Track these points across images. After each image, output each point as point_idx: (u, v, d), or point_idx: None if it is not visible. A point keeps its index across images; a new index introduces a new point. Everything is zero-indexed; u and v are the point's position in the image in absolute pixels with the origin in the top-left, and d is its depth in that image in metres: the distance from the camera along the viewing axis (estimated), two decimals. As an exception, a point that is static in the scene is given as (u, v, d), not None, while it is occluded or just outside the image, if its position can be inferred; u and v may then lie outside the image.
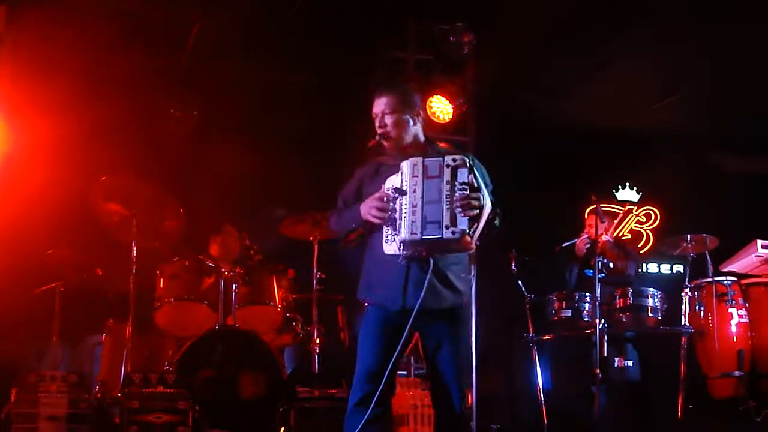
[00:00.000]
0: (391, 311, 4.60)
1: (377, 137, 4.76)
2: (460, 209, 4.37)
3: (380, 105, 4.78)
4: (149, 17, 7.91)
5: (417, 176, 4.46)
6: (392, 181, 4.57)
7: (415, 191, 4.45)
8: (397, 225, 4.48)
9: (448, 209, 4.38)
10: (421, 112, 4.90)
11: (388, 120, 4.75)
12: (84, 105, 7.89)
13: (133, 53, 8.21)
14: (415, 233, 4.40)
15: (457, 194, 4.38)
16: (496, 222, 4.59)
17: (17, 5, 7.42)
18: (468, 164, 4.44)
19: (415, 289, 4.52)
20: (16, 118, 7.16)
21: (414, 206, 4.43)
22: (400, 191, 4.48)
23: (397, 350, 4.52)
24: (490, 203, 4.51)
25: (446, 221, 4.37)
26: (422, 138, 4.86)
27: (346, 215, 4.77)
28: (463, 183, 4.40)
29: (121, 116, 8.21)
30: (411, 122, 4.80)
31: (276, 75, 8.99)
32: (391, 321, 4.60)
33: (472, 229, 4.40)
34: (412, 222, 4.41)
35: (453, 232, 4.36)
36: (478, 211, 4.40)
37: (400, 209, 4.48)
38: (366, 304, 4.79)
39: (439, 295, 4.59)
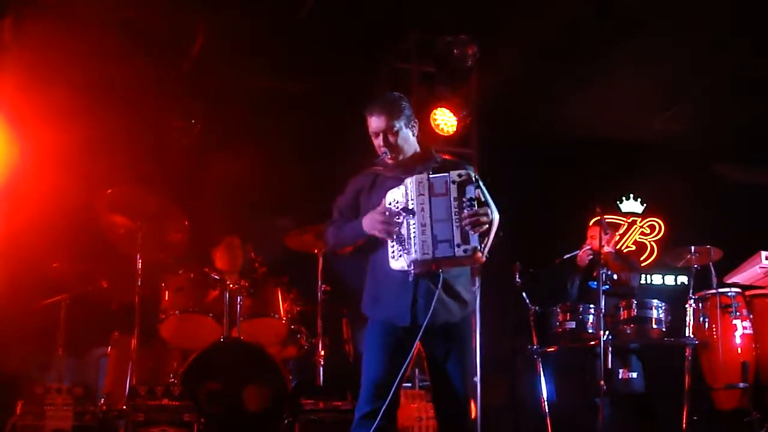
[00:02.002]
0: (398, 327, 4.59)
1: (384, 154, 4.72)
2: (469, 226, 4.36)
3: (379, 123, 4.71)
4: (153, 27, 7.91)
5: (423, 194, 4.44)
6: (393, 195, 4.55)
7: (423, 210, 4.42)
8: (407, 244, 4.45)
9: (458, 227, 4.37)
10: (414, 117, 4.85)
11: (391, 138, 4.71)
12: (88, 115, 7.89)
13: (137, 63, 8.21)
14: (427, 253, 4.39)
15: (465, 211, 4.37)
16: (501, 233, 4.60)
17: (22, 16, 7.44)
18: (474, 179, 4.43)
19: (424, 305, 4.51)
20: (22, 128, 7.18)
21: (423, 225, 4.41)
22: (408, 211, 4.44)
23: (405, 365, 4.52)
24: (498, 216, 4.52)
25: (457, 239, 4.36)
26: (418, 148, 4.84)
27: (348, 230, 4.76)
28: (471, 198, 4.39)
29: (126, 127, 8.22)
30: (411, 133, 4.79)
31: (280, 85, 9.00)
32: (397, 335, 4.59)
33: (483, 245, 4.40)
34: (423, 242, 4.39)
35: (465, 250, 4.35)
36: (487, 226, 4.41)
37: (408, 228, 4.45)
38: (370, 318, 4.77)
39: (449, 309, 4.60)
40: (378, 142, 4.74)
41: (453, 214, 4.38)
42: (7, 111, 7.15)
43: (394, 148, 4.72)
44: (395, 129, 4.71)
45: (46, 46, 7.58)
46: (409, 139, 4.78)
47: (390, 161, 4.75)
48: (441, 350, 4.65)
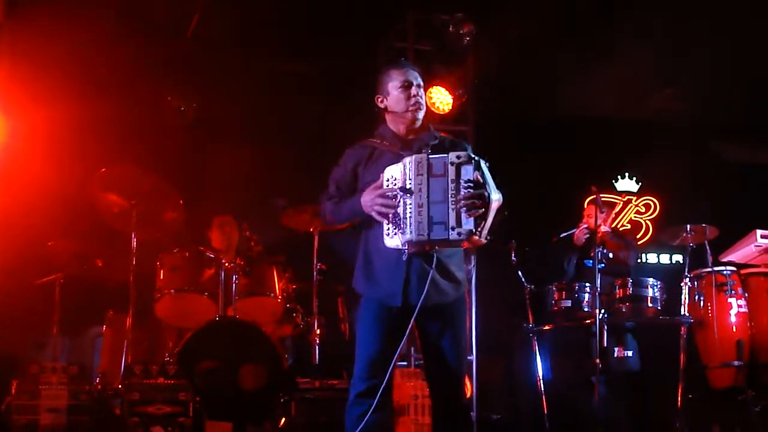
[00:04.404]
0: (391, 306, 4.56)
1: (415, 106, 4.71)
2: (464, 209, 4.31)
3: (415, 76, 4.76)
4: (149, 7, 7.88)
5: (422, 174, 4.38)
6: (392, 171, 4.50)
7: (420, 190, 4.37)
8: (402, 223, 4.41)
9: (453, 210, 4.32)
10: None
11: (421, 92, 4.75)
12: (83, 95, 7.89)
13: (132, 43, 8.18)
14: (422, 234, 4.35)
15: (462, 193, 4.32)
16: (506, 212, 4.57)
17: (16, -4, 7.41)
18: (473, 160, 4.38)
19: (417, 285, 4.49)
20: (15, 108, 7.15)
21: (420, 206, 4.36)
22: (405, 190, 4.39)
23: (401, 345, 4.52)
24: (499, 196, 4.46)
25: (452, 222, 4.31)
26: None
27: (346, 207, 4.72)
28: (468, 181, 4.33)
29: (121, 107, 8.20)
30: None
31: (276, 65, 8.98)
32: (391, 314, 4.57)
33: (479, 228, 4.33)
34: (419, 223, 4.35)
35: (459, 234, 4.30)
36: (483, 209, 4.34)
37: (405, 207, 4.41)
38: (362, 295, 4.74)
39: (442, 291, 4.56)
40: (414, 91, 4.72)
41: (449, 196, 4.34)
42: (1, 90, 7.11)
43: (422, 104, 4.74)
44: (422, 86, 4.78)
45: (41, 25, 7.55)
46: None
47: (413, 114, 4.72)
48: (434, 329, 4.63)
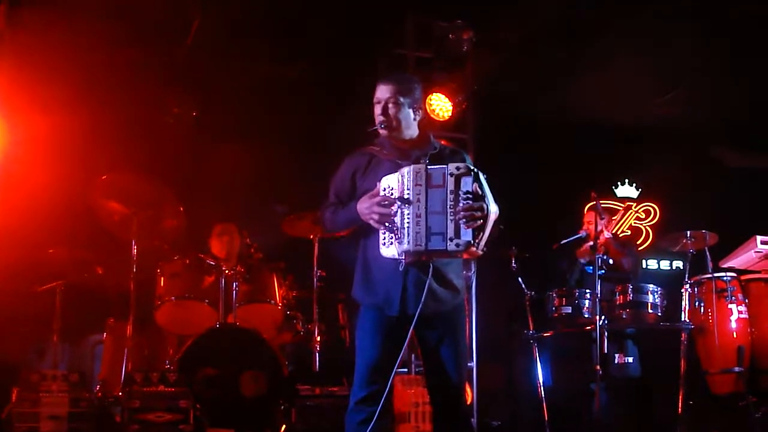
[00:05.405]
0: (389, 315, 4.57)
1: (380, 126, 4.67)
2: (463, 221, 4.31)
3: (384, 92, 4.67)
4: (148, 14, 7.88)
5: (420, 185, 4.38)
6: (388, 180, 4.50)
7: (419, 200, 4.37)
8: (399, 233, 4.41)
9: (452, 220, 4.32)
10: (422, 105, 4.82)
11: (392, 109, 4.66)
12: (83, 103, 7.90)
13: (132, 50, 8.19)
14: (420, 245, 4.35)
15: (460, 204, 4.32)
16: (501, 226, 4.57)
17: (16, 3, 7.41)
18: (472, 172, 4.37)
19: (415, 293, 4.49)
20: (16, 116, 7.16)
21: (418, 216, 4.36)
22: (403, 200, 4.39)
23: (401, 353, 4.53)
24: (496, 208, 4.46)
25: (450, 233, 4.31)
26: (417, 133, 4.77)
27: (343, 215, 4.72)
28: (467, 192, 4.33)
29: (121, 114, 8.22)
30: (412, 115, 4.72)
31: (276, 72, 8.98)
32: (389, 322, 4.58)
33: (477, 240, 4.34)
34: (417, 233, 4.35)
35: (457, 245, 4.30)
36: (482, 221, 4.35)
37: (402, 217, 4.40)
38: (361, 303, 4.75)
39: (440, 299, 4.57)
40: (377, 111, 4.68)
41: (448, 207, 4.33)
42: (2, 98, 7.12)
43: (390, 120, 4.66)
44: (399, 102, 4.65)
45: (42, 33, 7.56)
46: (409, 120, 4.71)
47: (383, 132, 4.69)
48: (433, 338, 4.63)
